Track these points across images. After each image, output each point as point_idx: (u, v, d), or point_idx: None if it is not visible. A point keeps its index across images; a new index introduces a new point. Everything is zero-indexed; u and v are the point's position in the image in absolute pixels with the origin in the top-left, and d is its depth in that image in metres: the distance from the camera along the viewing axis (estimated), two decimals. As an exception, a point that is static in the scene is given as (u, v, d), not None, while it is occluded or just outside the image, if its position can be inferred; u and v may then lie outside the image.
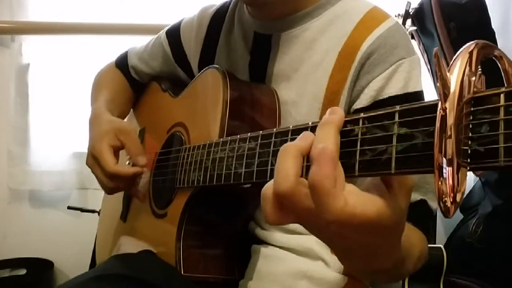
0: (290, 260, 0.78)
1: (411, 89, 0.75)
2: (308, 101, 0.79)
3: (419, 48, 1.67)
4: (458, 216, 1.64)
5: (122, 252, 0.94)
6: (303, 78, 0.81)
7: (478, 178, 1.62)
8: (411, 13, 1.63)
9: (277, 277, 0.77)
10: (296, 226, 0.79)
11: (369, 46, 0.75)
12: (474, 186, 1.66)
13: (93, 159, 0.90)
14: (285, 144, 0.41)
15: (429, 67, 1.68)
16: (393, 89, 0.74)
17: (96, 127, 0.94)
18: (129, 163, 0.96)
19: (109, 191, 0.92)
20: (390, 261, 0.47)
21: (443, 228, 1.72)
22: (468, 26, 1.51)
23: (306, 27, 0.82)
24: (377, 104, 0.74)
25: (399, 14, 1.63)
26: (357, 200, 0.38)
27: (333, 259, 0.78)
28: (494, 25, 1.53)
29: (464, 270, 1.45)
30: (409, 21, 1.64)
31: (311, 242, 0.78)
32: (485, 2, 1.52)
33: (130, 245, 0.98)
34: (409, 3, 1.63)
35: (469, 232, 1.51)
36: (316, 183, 0.37)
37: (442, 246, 1.41)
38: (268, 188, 0.42)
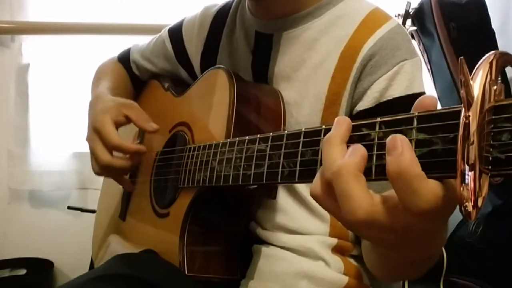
0: (291, 260, 0.78)
1: (416, 90, 0.75)
2: (310, 102, 0.79)
3: (419, 48, 1.67)
4: (458, 216, 1.64)
5: (111, 251, 0.93)
6: (304, 79, 0.81)
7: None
8: (411, 13, 1.63)
9: (278, 276, 0.77)
10: (298, 226, 0.80)
11: (371, 48, 0.76)
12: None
13: (94, 132, 0.86)
14: (328, 135, 0.43)
15: (429, 67, 1.68)
16: (397, 91, 0.75)
17: (97, 106, 0.90)
18: (139, 142, 0.92)
19: (100, 169, 0.86)
20: (436, 247, 0.49)
21: (443, 228, 1.72)
22: (468, 26, 1.51)
23: (307, 27, 0.83)
24: (381, 105, 0.75)
25: (399, 14, 1.63)
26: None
27: (333, 259, 0.78)
28: (494, 25, 1.52)
29: (464, 270, 1.45)
30: (409, 21, 1.64)
31: (312, 242, 0.78)
32: (485, 2, 1.52)
33: (118, 244, 0.97)
34: (409, 3, 1.63)
35: (469, 232, 1.51)
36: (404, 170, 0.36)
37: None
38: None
